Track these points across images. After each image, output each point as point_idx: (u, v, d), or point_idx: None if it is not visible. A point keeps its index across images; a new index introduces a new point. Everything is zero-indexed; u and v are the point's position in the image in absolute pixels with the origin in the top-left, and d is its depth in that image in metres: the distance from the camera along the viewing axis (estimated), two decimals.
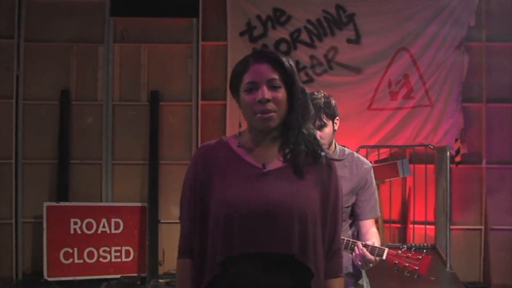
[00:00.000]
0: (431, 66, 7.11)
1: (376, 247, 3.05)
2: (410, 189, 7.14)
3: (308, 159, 2.27)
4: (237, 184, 2.23)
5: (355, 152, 3.45)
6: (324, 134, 3.22)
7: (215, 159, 2.30)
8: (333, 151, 3.33)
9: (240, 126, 2.34)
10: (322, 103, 3.24)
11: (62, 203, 6.92)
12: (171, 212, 7.16)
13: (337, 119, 3.33)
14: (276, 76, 2.23)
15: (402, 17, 7.10)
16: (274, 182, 2.22)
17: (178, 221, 2.40)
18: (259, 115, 2.22)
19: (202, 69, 7.25)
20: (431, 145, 6.97)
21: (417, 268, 2.99)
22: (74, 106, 7.26)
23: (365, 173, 3.32)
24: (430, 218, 7.05)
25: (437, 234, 6.92)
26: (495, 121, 7.26)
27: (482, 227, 7.16)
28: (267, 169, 2.24)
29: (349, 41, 7.09)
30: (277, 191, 2.20)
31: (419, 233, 7.01)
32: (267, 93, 2.21)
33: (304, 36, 7.13)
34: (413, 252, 3.03)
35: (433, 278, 5.13)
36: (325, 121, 3.23)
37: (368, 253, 3.03)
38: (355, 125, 7.04)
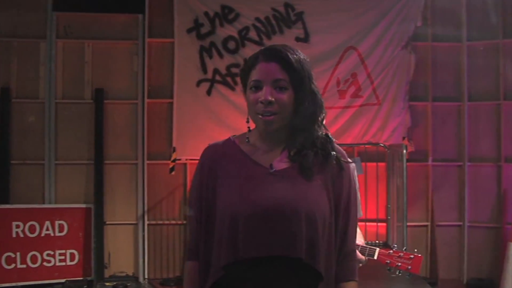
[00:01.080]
0: (378, 65, 7.19)
1: (366, 246, 3.05)
2: (360, 187, 7.20)
3: (317, 159, 2.20)
4: (243, 184, 2.17)
5: None
6: None
7: (222, 159, 2.25)
8: None
9: (247, 121, 2.27)
10: None
11: (2, 206, 6.72)
12: (117, 213, 7.04)
13: None
14: (283, 77, 2.16)
15: (350, 16, 7.16)
16: (282, 183, 2.15)
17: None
18: (260, 116, 2.16)
19: (148, 66, 7.14)
20: (383, 144, 7.04)
21: (409, 267, 3.02)
22: (15, 104, 7.04)
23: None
24: (382, 215, 7.15)
25: (388, 231, 7.01)
26: (441, 120, 7.40)
27: (429, 223, 7.28)
28: (274, 170, 2.18)
29: (297, 39, 7.09)
30: (284, 192, 2.13)
31: (371, 231, 7.09)
32: (270, 94, 2.14)
33: (252, 34, 7.11)
34: (404, 252, 3.04)
35: (394, 275, 5.17)
36: None
37: (359, 253, 3.01)
38: None
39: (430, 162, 7.33)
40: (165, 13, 7.14)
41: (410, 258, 3.03)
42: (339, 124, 7.17)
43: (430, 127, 7.35)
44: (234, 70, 7.08)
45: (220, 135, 7.56)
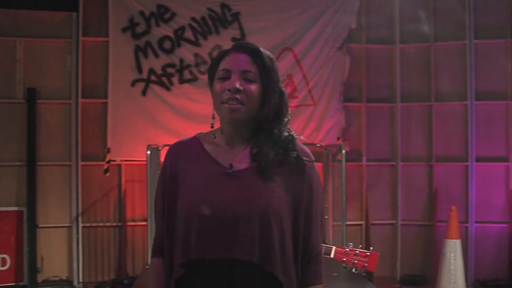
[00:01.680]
0: (314, 66, 7.29)
1: (323, 246, 3.06)
2: None
3: (278, 159, 2.16)
4: (200, 184, 2.15)
5: None
6: None
7: (184, 157, 2.23)
8: None
9: (213, 117, 2.23)
10: None
11: None
12: (50, 215, 6.91)
13: None
14: (252, 69, 2.14)
15: (286, 17, 7.22)
16: (238, 184, 2.13)
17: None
18: (226, 104, 2.12)
19: (82, 65, 7.03)
20: (320, 144, 7.12)
21: (366, 265, 3.08)
22: None
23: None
24: None
25: (325, 230, 7.11)
26: (374, 120, 7.56)
27: (363, 222, 7.43)
28: (232, 170, 2.15)
29: (234, 39, 7.09)
30: (239, 193, 2.11)
31: None
32: (238, 83, 2.11)
33: (188, 34, 7.09)
34: (360, 250, 3.10)
35: (335, 274, 5.26)
36: None
37: None
38: None
39: (364, 162, 7.49)
40: (99, 11, 7.04)
41: (367, 255, 3.10)
42: None
43: (364, 128, 7.51)
44: (170, 70, 7.05)
45: (156, 136, 7.56)
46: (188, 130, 7.00)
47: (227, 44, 7.04)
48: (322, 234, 2.30)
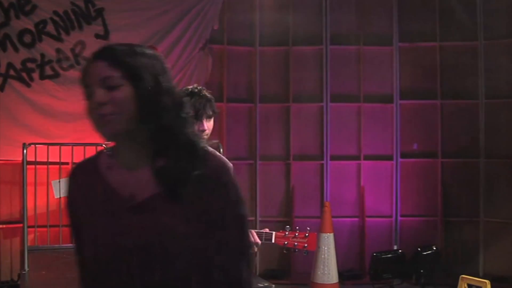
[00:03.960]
0: (177, 65, 7.39)
1: (263, 231, 3.15)
2: None
3: (186, 177, 1.82)
4: (100, 222, 1.87)
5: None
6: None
7: (81, 191, 1.95)
8: None
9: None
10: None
11: None
12: None
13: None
14: (113, 73, 1.81)
15: (150, 15, 7.27)
16: (139, 218, 1.83)
17: None
18: (95, 123, 1.84)
19: None
20: None
21: (306, 245, 3.15)
22: None
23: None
24: None
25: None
26: (234, 120, 7.83)
27: (254, 218, 7.70)
28: (132, 202, 1.84)
29: (97, 36, 7.03)
30: (140, 230, 1.82)
31: None
32: (100, 95, 1.80)
33: (50, 28, 6.90)
34: (298, 232, 3.17)
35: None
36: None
37: (256, 236, 3.10)
38: None
39: None
40: None
41: (306, 236, 3.18)
42: None
43: (224, 127, 7.73)
44: (30, 65, 6.81)
45: (17, 135, 7.25)
46: (51, 129, 6.87)
47: (90, 41, 7.01)
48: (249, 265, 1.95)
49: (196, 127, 3.05)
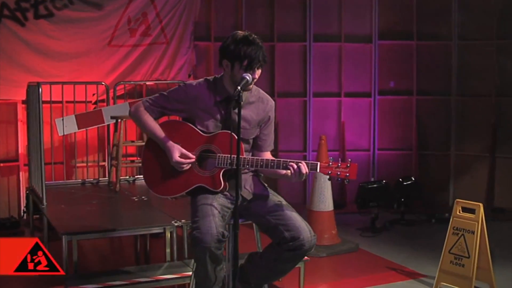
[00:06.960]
0: (167, 5, 7.67)
1: (309, 162, 3.37)
2: None
3: None
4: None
5: (260, 89, 3.70)
6: None
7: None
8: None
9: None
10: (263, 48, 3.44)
11: None
12: None
13: None
14: None
15: None
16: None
17: None
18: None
19: None
20: (171, 80, 7.50)
21: (348, 174, 3.32)
22: None
23: (269, 109, 3.66)
24: None
25: None
26: None
27: None
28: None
29: None
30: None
31: None
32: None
33: None
34: (341, 162, 3.34)
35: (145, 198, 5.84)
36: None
37: (307, 167, 3.33)
38: (96, 61, 7.34)
39: None
40: None
41: (347, 166, 3.33)
42: (128, 62, 7.56)
43: (212, 65, 8.03)
44: (24, 4, 6.96)
45: (12, 75, 7.46)
46: (46, 68, 7.10)
47: None
48: None
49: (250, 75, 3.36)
